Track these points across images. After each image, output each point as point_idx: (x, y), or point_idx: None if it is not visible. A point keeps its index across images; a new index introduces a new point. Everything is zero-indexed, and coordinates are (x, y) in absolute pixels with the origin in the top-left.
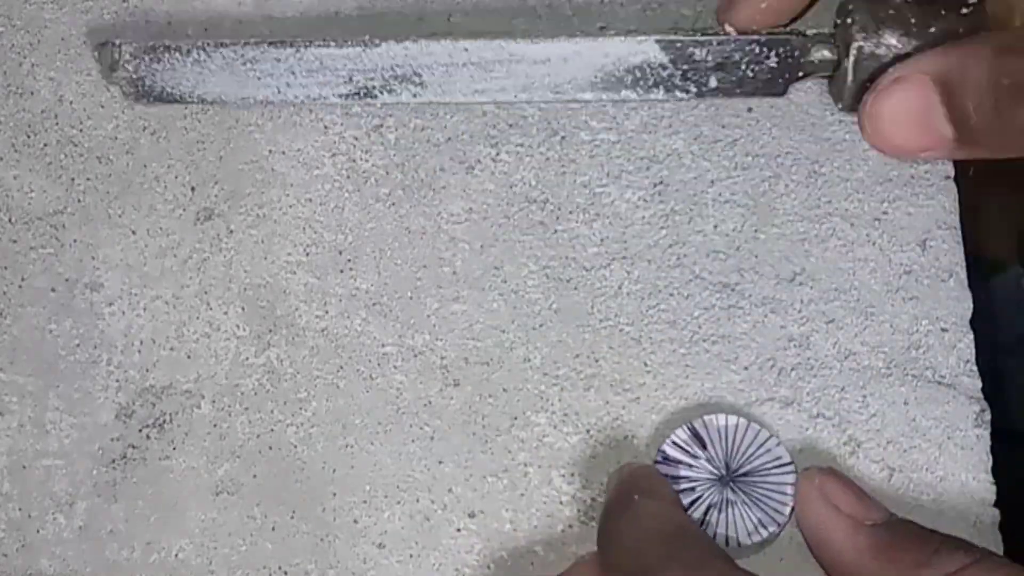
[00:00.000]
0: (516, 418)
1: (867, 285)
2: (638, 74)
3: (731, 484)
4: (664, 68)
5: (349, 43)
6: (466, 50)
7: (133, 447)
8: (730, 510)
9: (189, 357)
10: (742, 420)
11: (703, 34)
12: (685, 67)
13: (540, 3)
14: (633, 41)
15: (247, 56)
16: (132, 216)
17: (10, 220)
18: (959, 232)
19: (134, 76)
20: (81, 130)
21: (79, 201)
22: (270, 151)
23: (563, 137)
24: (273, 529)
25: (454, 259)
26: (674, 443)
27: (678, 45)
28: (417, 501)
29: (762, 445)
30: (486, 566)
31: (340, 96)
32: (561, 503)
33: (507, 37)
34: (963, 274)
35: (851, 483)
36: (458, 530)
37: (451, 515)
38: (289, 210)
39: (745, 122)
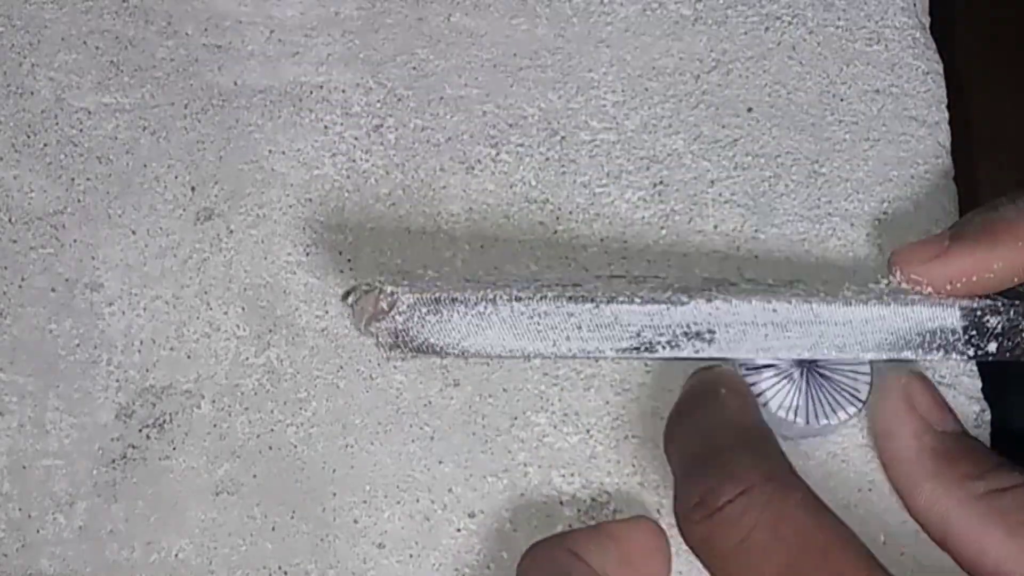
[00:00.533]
0: (516, 418)
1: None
2: (928, 338)
3: (809, 369)
4: (954, 333)
5: (654, 300)
6: (774, 311)
7: (133, 447)
8: (808, 392)
9: (189, 357)
10: None
11: (1000, 302)
12: (973, 332)
13: (540, 3)
14: (938, 307)
15: (538, 311)
16: (132, 216)
17: (10, 220)
18: None
19: (400, 328)
20: (81, 130)
21: (79, 201)
22: (270, 151)
23: (563, 137)
24: (273, 529)
25: (454, 259)
26: None
27: (977, 313)
28: (417, 501)
29: None
30: (486, 566)
31: (617, 351)
32: (561, 503)
33: (816, 298)
34: None
35: (935, 390)
36: (458, 530)
37: (451, 515)
38: (289, 210)
39: (745, 122)
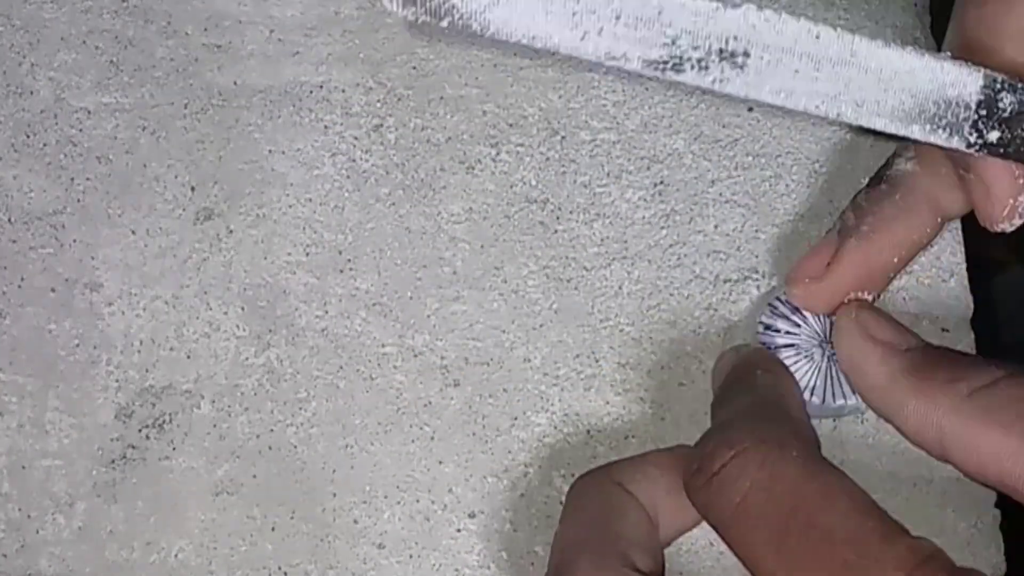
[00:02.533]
0: (516, 418)
1: None
2: (941, 109)
3: (829, 348)
4: (967, 108)
5: None
6: (817, 37)
7: (133, 447)
8: (828, 373)
9: (189, 357)
10: None
11: (1020, 83)
12: (983, 112)
13: None
14: (963, 70)
15: None
16: (132, 216)
17: (10, 220)
18: (960, 232)
19: None
20: (81, 130)
21: (79, 201)
22: (270, 151)
23: (563, 137)
24: (273, 529)
25: (454, 259)
26: (773, 312)
27: (996, 86)
28: (417, 501)
29: None
30: (486, 566)
31: (644, 61)
32: (561, 503)
33: (860, 33)
34: (964, 274)
35: (887, 315)
36: (458, 530)
37: (451, 515)
38: (289, 210)
39: (745, 122)
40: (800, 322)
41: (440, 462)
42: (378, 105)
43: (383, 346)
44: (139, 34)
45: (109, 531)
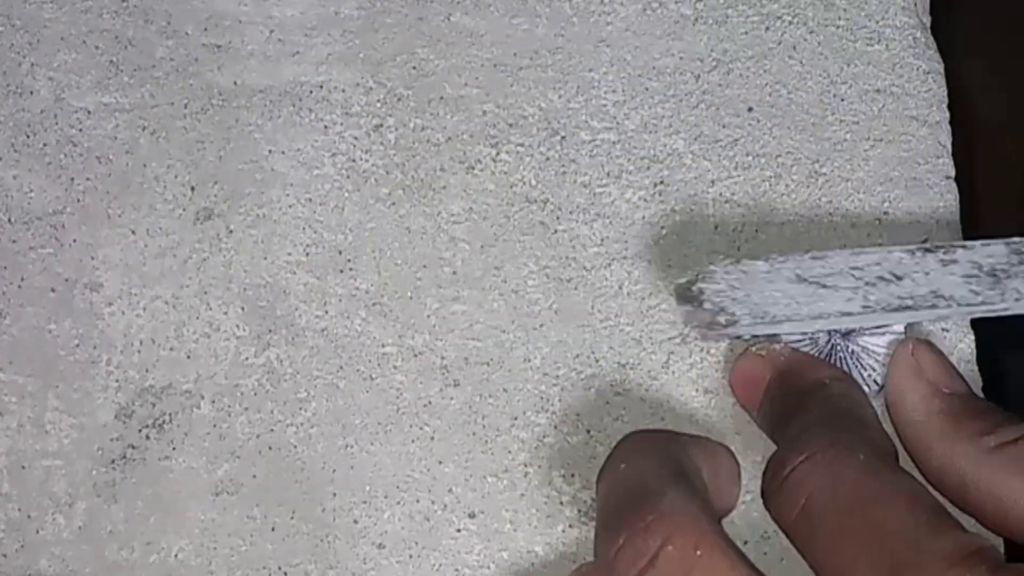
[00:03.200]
0: (516, 418)
1: None
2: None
3: (842, 341)
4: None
5: (969, 303)
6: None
7: (133, 447)
8: (831, 357)
9: (189, 357)
10: None
11: None
12: None
13: (540, 3)
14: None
15: (861, 321)
16: (132, 216)
17: (9, 220)
18: (959, 232)
19: (733, 334)
20: (81, 130)
21: (78, 201)
22: (270, 151)
23: (563, 137)
24: (273, 529)
25: (454, 259)
26: None
27: None
28: (417, 501)
29: None
30: (486, 566)
31: (881, 309)
32: (561, 503)
33: None
34: None
35: (942, 355)
36: (458, 530)
37: (451, 515)
38: (289, 210)
39: (745, 122)
40: None
41: (440, 462)
42: (378, 105)
43: (383, 346)
44: (139, 34)
45: (109, 531)
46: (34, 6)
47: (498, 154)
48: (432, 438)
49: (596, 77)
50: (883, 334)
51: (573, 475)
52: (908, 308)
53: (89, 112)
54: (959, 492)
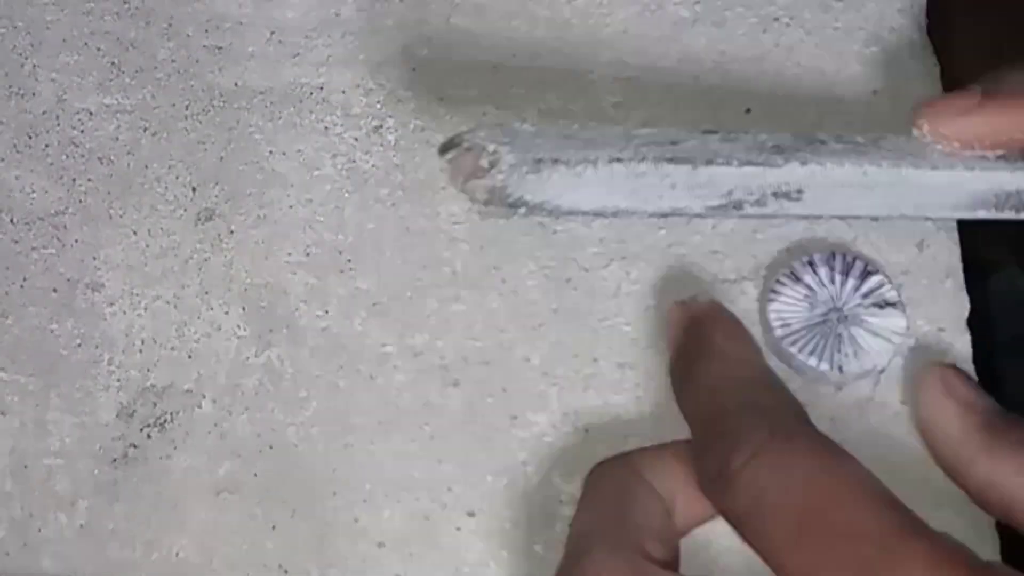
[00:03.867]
0: (516, 418)
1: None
2: (1002, 199)
3: (841, 318)
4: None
5: (751, 162)
6: (864, 174)
7: (134, 446)
8: (840, 343)
9: (190, 357)
10: (859, 260)
11: None
12: None
13: (540, 5)
14: (1020, 171)
15: (636, 171)
16: (133, 216)
17: (11, 220)
18: (956, 233)
19: (498, 185)
20: (82, 131)
21: (80, 201)
22: (270, 152)
23: None
24: (274, 528)
25: (454, 259)
26: (791, 274)
27: None
28: (417, 500)
29: (874, 291)
30: (486, 565)
31: (706, 208)
32: (561, 503)
33: (906, 161)
34: (960, 275)
35: (969, 376)
36: (458, 530)
37: (451, 515)
38: (289, 210)
39: (744, 123)
40: (814, 286)
41: (440, 461)
42: (378, 106)
43: (383, 346)
44: (140, 36)
45: (111, 530)
46: (36, 8)
47: None
48: (432, 438)
49: (596, 77)
50: (888, 316)
51: (573, 475)
52: (683, 160)
53: (91, 113)
54: (1005, 503)
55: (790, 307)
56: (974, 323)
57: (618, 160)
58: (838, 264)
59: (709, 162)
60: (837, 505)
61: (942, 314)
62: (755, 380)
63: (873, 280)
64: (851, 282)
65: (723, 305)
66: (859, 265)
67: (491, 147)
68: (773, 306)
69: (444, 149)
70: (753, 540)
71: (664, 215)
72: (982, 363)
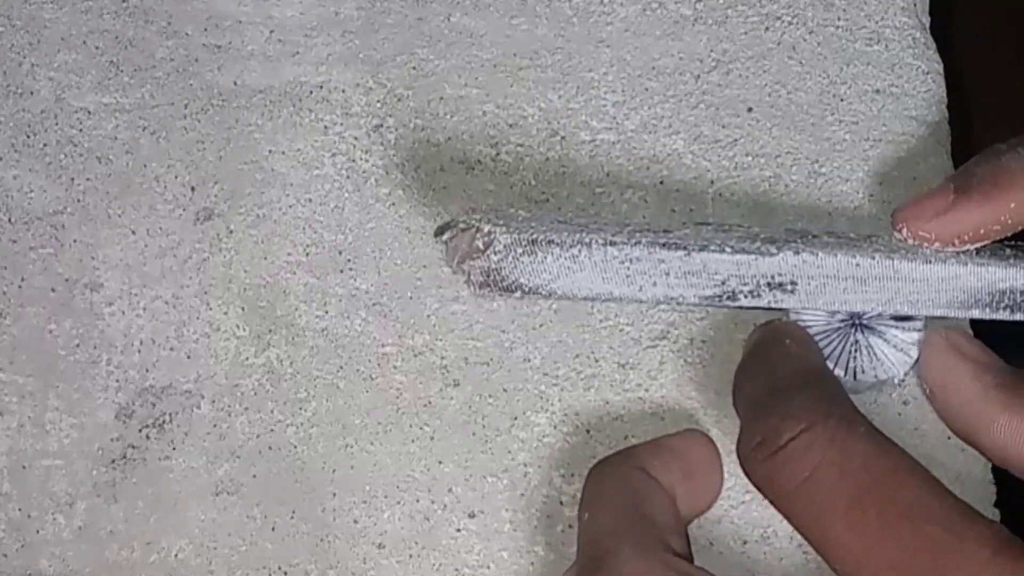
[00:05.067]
0: (516, 418)
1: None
2: (998, 297)
3: (860, 327)
4: (1022, 294)
5: (744, 250)
6: (857, 266)
7: (133, 447)
8: (856, 350)
9: (189, 357)
10: None
11: None
12: None
13: (540, 3)
14: (1013, 268)
15: (630, 256)
16: (132, 216)
17: (10, 220)
18: None
19: (494, 267)
20: (81, 130)
21: (79, 201)
22: (270, 151)
23: (563, 137)
24: (273, 529)
25: None
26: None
27: None
28: (417, 501)
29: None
30: (486, 566)
31: (700, 298)
32: (561, 503)
33: (898, 255)
34: None
35: (974, 338)
36: (458, 530)
37: (451, 515)
38: (289, 210)
39: (745, 122)
40: None
41: (440, 462)
42: (378, 105)
43: (383, 346)
44: (139, 34)
45: (109, 531)
46: (34, 6)
47: (498, 154)
48: (432, 438)
49: (596, 77)
50: (906, 329)
51: (573, 475)
52: (676, 246)
53: (89, 112)
54: None
55: (810, 310)
56: (977, 323)
57: (612, 244)
58: None
59: (703, 248)
60: (899, 484)
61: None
62: (814, 372)
63: None
64: None
65: (798, 325)
66: None
67: (486, 228)
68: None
69: (440, 231)
70: (799, 514)
71: (659, 303)
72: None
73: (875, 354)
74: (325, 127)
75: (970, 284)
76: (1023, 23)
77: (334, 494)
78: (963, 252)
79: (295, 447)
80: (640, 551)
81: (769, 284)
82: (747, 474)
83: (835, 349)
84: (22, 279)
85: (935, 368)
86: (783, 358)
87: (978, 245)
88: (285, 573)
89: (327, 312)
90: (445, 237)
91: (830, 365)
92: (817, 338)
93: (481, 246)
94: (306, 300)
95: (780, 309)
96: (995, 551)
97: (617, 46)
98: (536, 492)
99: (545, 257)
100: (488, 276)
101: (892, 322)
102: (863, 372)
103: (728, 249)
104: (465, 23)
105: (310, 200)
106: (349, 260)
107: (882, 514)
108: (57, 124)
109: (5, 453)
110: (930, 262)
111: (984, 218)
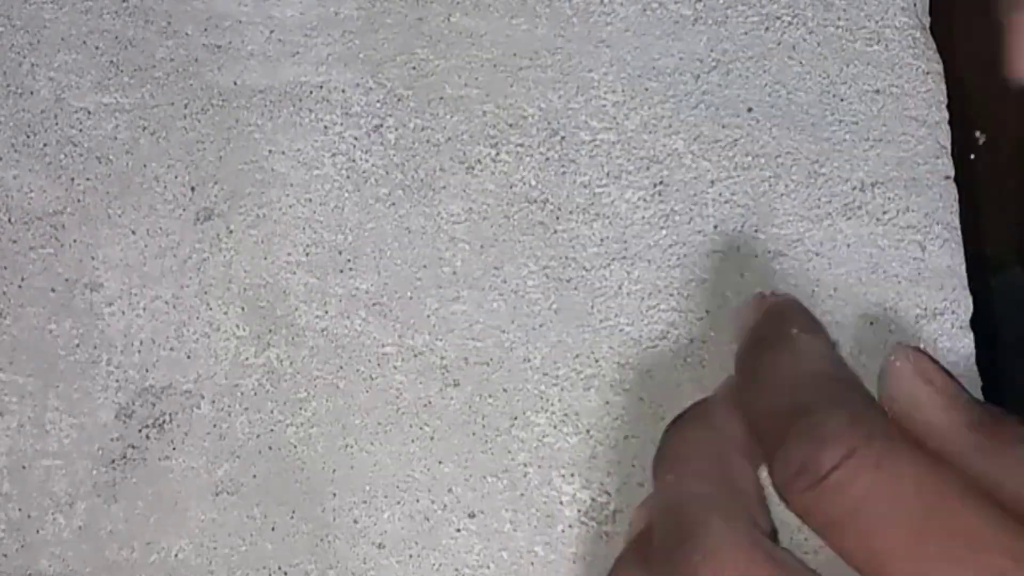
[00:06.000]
0: (516, 418)
1: (867, 286)
2: None
3: None
4: None
5: None
6: None
7: (133, 447)
8: None
9: (189, 357)
10: None
11: None
12: None
13: (540, 3)
14: None
15: None
16: (132, 216)
17: (10, 220)
18: (959, 232)
19: None
20: (81, 130)
21: (79, 201)
22: (270, 151)
23: (563, 137)
24: (273, 529)
25: (454, 259)
26: None
27: None
28: (417, 501)
29: None
30: (486, 566)
31: None
32: (561, 503)
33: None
34: (963, 274)
35: (939, 363)
36: (458, 530)
37: (451, 515)
38: (289, 210)
39: (745, 122)
40: None
41: (440, 462)
42: (378, 105)
43: (383, 346)
44: (139, 34)
45: (109, 531)
46: (34, 6)
47: (498, 154)
48: (432, 438)
49: (596, 77)
50: None
51: (573, 475)
52: None
53: (89, 112)
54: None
55: None
56: (978, 324)
57: None
58: None
59: None
60: (956, 511)
61: (945, 316)
62: (835, 377)
63: None
64: None
65: (799, 301)
66: None
67: None
68: None
69: None
70: (848, 544)
71: None
72: (986, 364)
73: None
74: (325, 127)
75: None
76: None
77: (334, 494)
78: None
79: (295, 447)
80: (730, 525)
81: None
82: (785, 501)
83: None
84: (22, 279)
85: (901, 393)
86: (797, 359)
87: None
88: (285, 573)
89: (327, 312)
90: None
91: None
92: None
93: None
94: (306, 300)
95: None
96: None
97: (617, 46)
98: (536, 492)
99: None
100: None
101: None
102: None
103: None
104: (465, 23)
105: (310, 200)
106: (349, 260)
107: (943, 544)
108: (57, 124)
109: (5, 453)
110: None
111: None
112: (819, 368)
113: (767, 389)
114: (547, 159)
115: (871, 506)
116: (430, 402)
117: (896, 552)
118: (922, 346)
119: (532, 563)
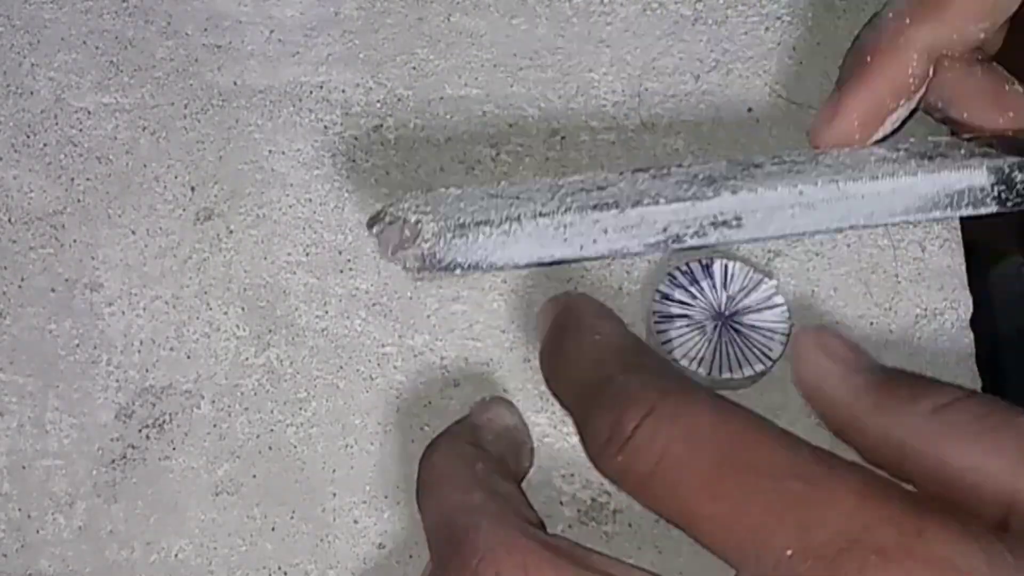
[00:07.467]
0: None
1: (867, 285)
2: (957, 197)
3: (724, 323)
4: (983, 191)
5: (679, 198)
6: (801, 193)
7: (133, 447)
8: (719, 345)
9: (189, 357)
10: (739, 264)
11: None
12: (1003, 187)
13: (540, 3)
14: (966, 170)
15: (563, 222)
16: (132, 216)
17: (10, 220)
18: (959, 232)
19: (427, 253)
20: (81, 130)
21: (79, 201)
22: (270, 151)
23: (563, 137)
24: (273, 529)
25: None
26: (671, 281)
27: (1005, 170)
28: None
29: (756, 287)
30: None
31: (645, 246)
32: (561, 503)
33: (843, 176)
34: (963, 274)
35: (843, 336)
36: None
37: None
38: (289, 210)
39: (745, 122)
40: (697, 294)
41: None
42: (378, 105)
43: (383, 346)
44: (139, 34)
45: (109, 531)
46: (34, 6)
47: (498, 154)
48: (432, 438)
49: (596, 77)
50: (765, 309)
51: (573, 475)
52: (608, 205)
53: (89, 112)
54: (899, 464)
55: (672, 309)
56: (977, 323)
57: (542, 215)
58: (716, 272)
59: (636, 203)
60: (752, 447)
61: (945, 316)
62: (632, 348)
63: (752, 279)
64: (731, 286)
65: (591, 297)
66: (739, 269)
67: (412, 218)
68: (656, 307)
69: (370, 224)
70: (660, 498)
71: (605, 257)
72: (985, 363)
73: (736, 352)
74: (325, 127)
75: (924, 191)
76: None
77: (334, 494)
78: (913, 159)
79: (295, 447)
80: (499, 524)
81: (714, 223)
82: (602, 473)
83: (695, 346)
84: (22, 279)
85: (805, 371)
86: (593, 341)
87: (892, 126)
88: (285, 573)
89: (327, 312)
90: (375, 230)
91: (686, 362)
92: (677, 332)
93: (410, 235)
94: (306, 300)
95: (736, 242)
96: (861, 496)
97: (617, 46)
98: (536, 492)
99: (476, 237)
100: (424, 261)
101: (758, 321)
102: (719, 370)
103: (663, 200)
104: (465, 23)
105: (310, 200)
106: (349, 260)
107: (741, 480)
108: (57, 124)
109: (5, 453)
110: (877, 178)
111: (867, 100)
112: (616, 344)
113: (572, 371)
114: (547, 159)
115: (672, 457)
116: (430, 402)
117: (700, 495)
118: (831, 324)
119: None
